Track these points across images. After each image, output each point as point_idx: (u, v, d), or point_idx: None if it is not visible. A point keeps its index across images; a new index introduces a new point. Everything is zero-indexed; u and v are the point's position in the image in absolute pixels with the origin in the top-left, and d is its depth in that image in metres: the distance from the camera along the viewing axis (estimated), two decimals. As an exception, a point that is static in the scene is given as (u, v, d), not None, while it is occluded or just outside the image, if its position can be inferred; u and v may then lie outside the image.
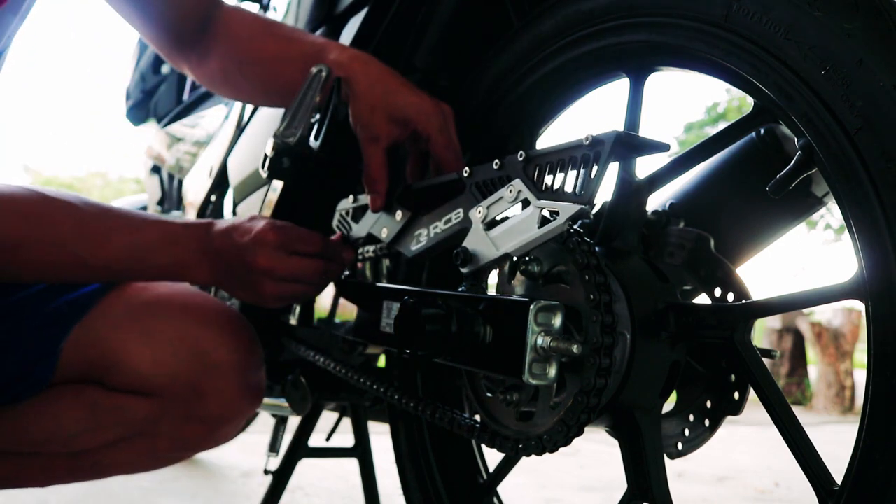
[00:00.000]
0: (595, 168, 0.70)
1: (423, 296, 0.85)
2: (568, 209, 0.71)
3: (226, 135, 1.68)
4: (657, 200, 0.99)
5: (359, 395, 1.35)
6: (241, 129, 1.60)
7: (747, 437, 3.86)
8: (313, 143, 1.00)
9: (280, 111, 1.21)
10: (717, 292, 0.85)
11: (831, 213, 11.20)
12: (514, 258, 0.81)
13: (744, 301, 0.79)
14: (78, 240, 0.96)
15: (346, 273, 1.10)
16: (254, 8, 1.74)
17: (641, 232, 0.86)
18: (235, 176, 1.54)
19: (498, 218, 0.82)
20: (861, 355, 8.20)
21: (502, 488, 1.05)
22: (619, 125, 0.81)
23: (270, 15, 1.67)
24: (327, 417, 1.70)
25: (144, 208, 2.35)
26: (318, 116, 1.01)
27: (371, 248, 1.13)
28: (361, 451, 1.67)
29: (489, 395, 0.87)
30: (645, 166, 0.82)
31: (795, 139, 0.68)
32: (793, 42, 0.65)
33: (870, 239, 0.60)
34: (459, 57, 1.16)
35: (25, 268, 0.96)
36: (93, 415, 1.05)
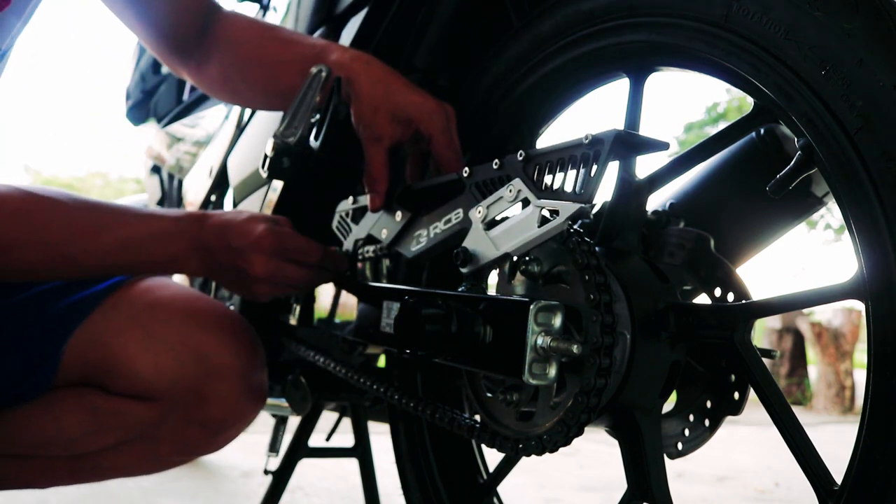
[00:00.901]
0: (595, 167, 0.70)
1: (423, 296, 0.85)
2: (568, 208, 0.71)
3: (226, 135, 1.68)
4: (657, 200, 0.99)
5: (359, 395, 1.35)
6: (241, 129, 1.60)
7: (747, 437, 3.86)
8: (313, 143, 1.00)
9: (280, 111, 1.21)
10: (717, 292, 0.85)
11: (831, 213, 11.20)
12: (514, 258, 0.81)
13: (744, 301, 0.79)
14: (67, 239, 0.96)
15: (347, 273, 1.10)
16: (254, 8, 1.74)
17: (641, 232, 0.86)
18: (235, 176, 1.54)
19: (498, 218, 0.82)
20: (861, 355, 8.20)
21: (502, 488, 1.05)
22: (619, 125, 0.81)
23: (270, 15, 1.67)
24: (327, 417, 1.70)
25: (144, 208, 2.35)
26: (318, 116, 1.01)
27: (371, 248, 1.13)
28: (361, 451, 1.67)
29: (489, 395, 0.87)
30: (645, 166, 0.82)
31: (795, 139, 0.68)
32: (793, 42, 0.65)
33: (870, 239, 0.60)
34: (459, 57, 1.16)
35: (16, 268, 0.96)
36: (94, 418, 1.04)
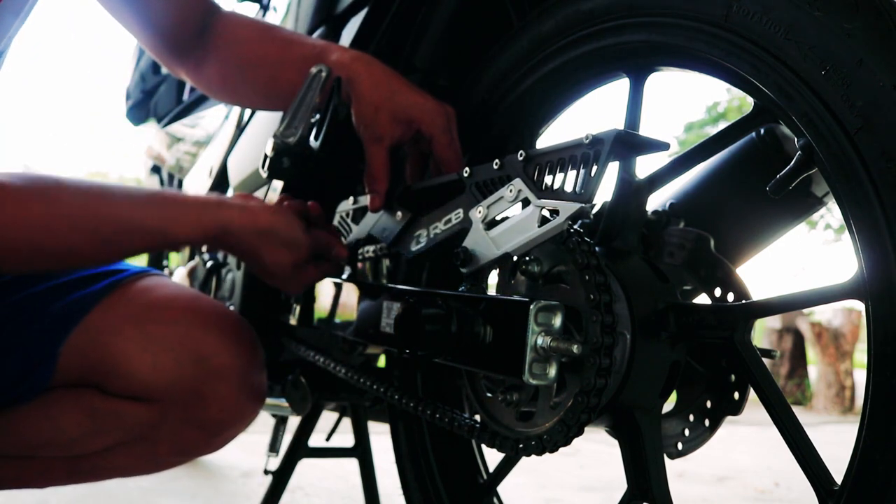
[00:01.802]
0: (595, 167, 0.70)
1: (423, 296, 0.85)
2: (568, 208, 0.71)
3: (226, 135, 1.68)
4: (657, 200, 0.99)
5: (359, 395, 1.35)
6: (241, 129, 1.60)
7: (747, 437, 3.86)
8: (313, 143, 1.00)
9: (280, 111, 1.21)
10: (717, 292, 0.85)
11: (831, 213, 11.20)
12: (515, 258, 0.81)
13: (744, 301, 0.79)
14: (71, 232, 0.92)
15: (347, 273, 1.10)
16: (254, 8, 1.74)
17: (641, 232, 0.86)
18: (235, 176, 1.54)
19: (498, 218, 0.82)
20: (861, 355, 8.20)
21: (502, 488, 1.05)
22: (619, 125, 0.81)
23: (270, 15, 1.67)
24: (327, 417, 1.70)
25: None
26: (318, 116, 1.01)
27: (371, 248, 1.13)
28: (361, 451, 1.67)
29: (489, 395, 0.87)
30: (645, 166, 0.82)
31: (795, 139, 0.68)
32: (793, 42, 0.65)
33: (870, 239, 0.60)
34: (459, 57, 1.16)
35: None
36: (91, 420, 1.04)
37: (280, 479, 1.59)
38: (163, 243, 0.98)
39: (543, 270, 0.79)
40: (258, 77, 1.13)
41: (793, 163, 0.70)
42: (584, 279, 0.72)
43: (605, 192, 0.79)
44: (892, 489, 0.58)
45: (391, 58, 1.08)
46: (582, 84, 0.94)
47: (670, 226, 0.90)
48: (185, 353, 1.03)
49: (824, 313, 6.85)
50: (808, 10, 0.63)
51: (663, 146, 0.77)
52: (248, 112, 1.59)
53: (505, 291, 0.84)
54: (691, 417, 0.88)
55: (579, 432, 0.74)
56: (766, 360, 0.76)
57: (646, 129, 0.82)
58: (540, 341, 0.72)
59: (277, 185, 1.30)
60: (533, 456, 0.78)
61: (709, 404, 0.86)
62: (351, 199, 1.09)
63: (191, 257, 1.78)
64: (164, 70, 2.24)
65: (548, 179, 0.76)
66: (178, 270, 1.61)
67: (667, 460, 0.81)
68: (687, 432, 0.88)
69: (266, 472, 1.59)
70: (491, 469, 1.07)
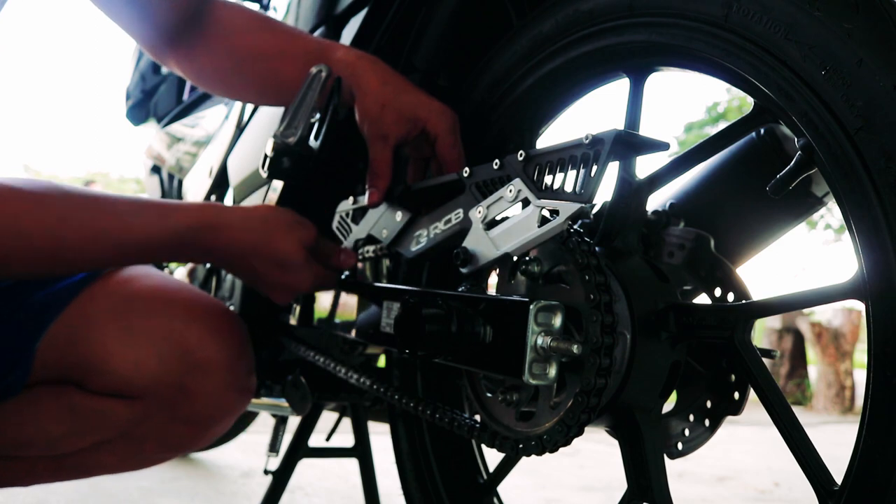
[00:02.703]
0: (595, 167, 0.70)
1: (423, 296, 0.85)
2: (568, 208, 0.71)
3: (226, 135, 1.68)
4: (657, 200, 0.99)
5: (359, 395, 1.35)
6: (241, 129, 1.60)
7: (747, 437, 3.86)
8: (313, 143, 1.00)
9: (280, 111, 1.21)
10: (717, 292, 0.85)
11: (831, 213, 11.20)
12: (515, 258, 0.81)
13: (744, 301, 0.79)
14: (58, 245, 0.89)
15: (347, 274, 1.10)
16: (253, 7, 1.74)
17: (641, 232, 0.86)
18: (235, 176, 1.54)
19: (498, 218, 0.82)
20: (861, 355, 8.20)
21: (502, 488, 1.05)
22: (619, 125, 0.81)
23: (270, 15, 1.67)
24: (327, 417, 1.70)
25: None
26: (318, 116, 1.01)
27: (371, 248, 1.13)
28: (361, 451, 1.67)
29: (489, 395, 0.87)
30: (645, 166, 0.82)
31: (795, 139, 0.68)
32: (793, 42, 0.65)
33: (870, 239, 0.60)
34: (459, 57, 1.16)
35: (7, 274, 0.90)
36: (73, 418, 1.00)
37: (280, 479, 1.59)
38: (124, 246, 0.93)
39: (543, 270, 0.79)
40: (255, 69, 1.10)
41: (793, 163, 0.70)
42: (584, 279, 0.72)
43: (605, 192, 0.79)
44: (892, 489, 0.58)
45: (391, 58, 1.08)
46: (582, 84, 0.94)
47: (670, 226, 0.91)
48: (168, 347, 0.99)
49: (824, 313, 6.86)
50: (808, 10, 0.63)
51: (663, 146, 0.77)
52: (248, 112, 1.59)
53: (505, 291, 0.84)
54: (691, 417, 0.88)
55: (579, 432, 0.74)
56: (766, 360, 0.76)
57: (646, 129, 0.82)
58: (540, 341, 0.72)
59: (277, 185, 1.30)
60: (533, 456, 0.78)
61: (709, 404, 0.86)
62: (351, 199, 1.09)
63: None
64: (164, 70, 2.23)
65: (548, 179, 0.76)
66: (179, 270, 1.61)
67: (667, 460, 0.81)
68: (687, 432, 0.88)
69: (266, 472, 1.59)
70: (491, 469, 1.07)
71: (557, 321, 0.73)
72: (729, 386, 0.84)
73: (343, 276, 1.10)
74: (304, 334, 1.24)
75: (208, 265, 1.53)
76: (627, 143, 0.73)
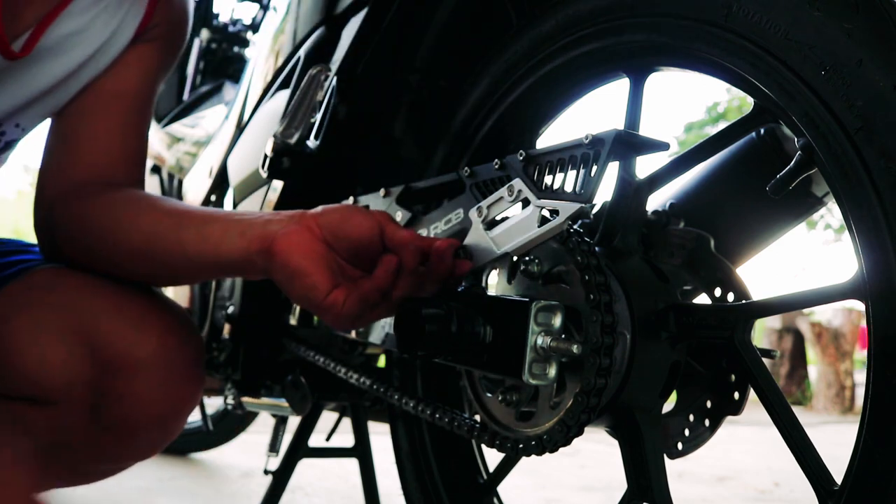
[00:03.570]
0: (595, 167, 0.70)
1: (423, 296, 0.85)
2: (568, 208, 0.71)
3: (226, 135, 1.68)
4: (657, 200, 0.99)
5: (359, 395, 1.35)
6: (241, 129, 1.60)
7: (747, 437, 3.86)
8: (313, 142, 1.00)
9: (280, 111, 1.21)
10: (718, 292, 0.85)
11: (831, 213, 11.19)
12: (515, 258, 0.81)
13: (744, 301, 0.79)
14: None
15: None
16: (254, 8, 1.74)
17: (641, 232, 0.86)
18: (235, 176, 1.54)
19: (498, 218, 0.82)
20: (861, 355, 8.20)
21: (502, 488, 1.05)
22: (619, 125, 0.81)
23: (270, 15, 1.67)
24: (327, 417, 1.70)
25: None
26: (318, 116, 1.01)
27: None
28: (361, 451, 1.67)
29: (489, 395, 0.87)
30: (645, 166, 0.82)
31: (795, 139, 0.68)
32: (793, 42, 0.65)
33: (870, 239, 0.60)
34: (459, 57, 1.16)
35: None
36: None
37: (280, 479, 1.58)
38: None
39: (543, 270, 0.79)
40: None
41: (793, 163, 0.70)
42: (584, 279, 0.72)
43: (605, 192, 0.79)
44: (892, 489, 0.58)
45: (391, 58, 1.08)
46: (582, 84, 0.94)
47: (670, 226, 0.90)
48: (79, 343, 0.87)
49: (824, 313, 6.85)
50: (808, 10, 0.63)
51: (663, 146, 0.77)
52: (248, 112, 1.59)
53: (505, 291, 0.84)
54: (691, 417, 0.88)
55: (579, 432, 0.74)
56: (766, 360, 0.76)
57: (646, 129, 0.82)
58: (540, 341, 0.72)
59: (277, 185, 1.30)
60: (533, 456, 0.78)
61: (709, 404, 0.86)
62: (351, 199, 1.09)
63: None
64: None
65: (548, 179, 0.76)
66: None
67: (667, 460, 0.81)
68: (687, 432, 0.88)
69: (266, 472, 1.59)
70: (491, 469, 1.07)
71: (557, 321, 0.73)
72: (729, 386, 0.84)
73: None
74: (304, 334, 1.24)
75: None
76: (627, 143, 0.73)
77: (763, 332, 7.09)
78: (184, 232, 0.86)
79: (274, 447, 1.59)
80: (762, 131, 0.94)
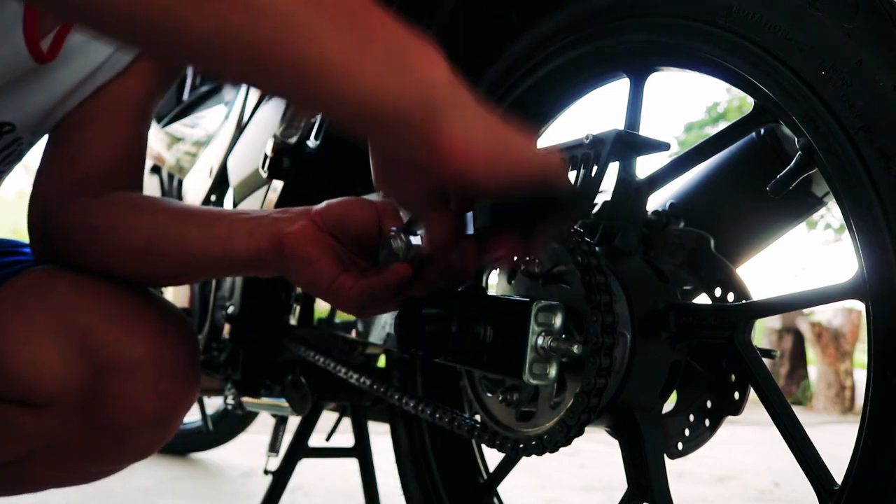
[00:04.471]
0: (595, 167, 0.71)
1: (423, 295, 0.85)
2: (568, 208, 0.71)
3: (226, 135, 1.68)
4: (657, 200, 0.99)
5: (359, 395, 1.35)
6: (241, 129, 1.60)
7: (747, 437, 3.86)
8: (313, 142, 1.00)
9: (280, 111, 1.21)
10: (718, 292, 0.85)
11: (831, 213, 11.19)
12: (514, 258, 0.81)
13: (744, 301, 0.79)
14: None
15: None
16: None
17: (641, 232, 0.86)
18: (235, 176, 1.54)
19: (498, 218, 0.82)
20: (861, 355, 8.20)
21: (502, 488, 1.05)
22: (620, 125, 0.81)
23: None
24: (327, 417, 1.70)
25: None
26: (318, 116, 1.01)
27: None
28: (361, 451, 1.67)
29: (489, 395, 0.87)
30: (645, 166, 0.82)
31: (795, 139, 0.68)
32: (793, 42, 0.65)
33: (870, 239, 0.60)
34: (459, 57, 1.16)
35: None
36: None
37: (280, 479, 1.59)
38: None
39: (543, 270, 0.79)
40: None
41: (793, 163, 0.70)
42: (584, 279, 0.72)
43: (605, 192, 0.79)
44: (892, 489, 0.58)
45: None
46: (582, 84, 0.94)
47: (670, 226, 0.90)
48: (70, 343, 0.86)
49: (824, 313, 6.85)
50: (808, 10, 0.63)
51: (663, 146, 0.77)
52: (248, 112, 1.59)
53: (505, 291, 0.84)
54: (691, 417, 0.87)
55: (579, 432, 0.74)
56: (766, 360, 0.76)
57: (646, 129, 0.82)
58: (540, 341, 0.72)
59: (277, 185, 1.30)
60: (533, 456, 0.78)
61: (709, 404, 0.86)
62: (351, 199, 1.09)
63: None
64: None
65: (548, 179, 0.76)
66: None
67: (667, 460, 0.81)
68: (687, 432, 0.88)
69: (266, 472, 1.59)
70: (491, 469, 1.07)
71: (558, 321, 0.73)
72: (729, 386, 0.84)
73: None
74: (304, 334, 1.24)
75: None
76: (628, 143, 0.73)
77: (763, 332, 7.09)
78: (188, 232, 0.87)
79: (274, 447, 1.59)
80: (762, 131, 0.94)
